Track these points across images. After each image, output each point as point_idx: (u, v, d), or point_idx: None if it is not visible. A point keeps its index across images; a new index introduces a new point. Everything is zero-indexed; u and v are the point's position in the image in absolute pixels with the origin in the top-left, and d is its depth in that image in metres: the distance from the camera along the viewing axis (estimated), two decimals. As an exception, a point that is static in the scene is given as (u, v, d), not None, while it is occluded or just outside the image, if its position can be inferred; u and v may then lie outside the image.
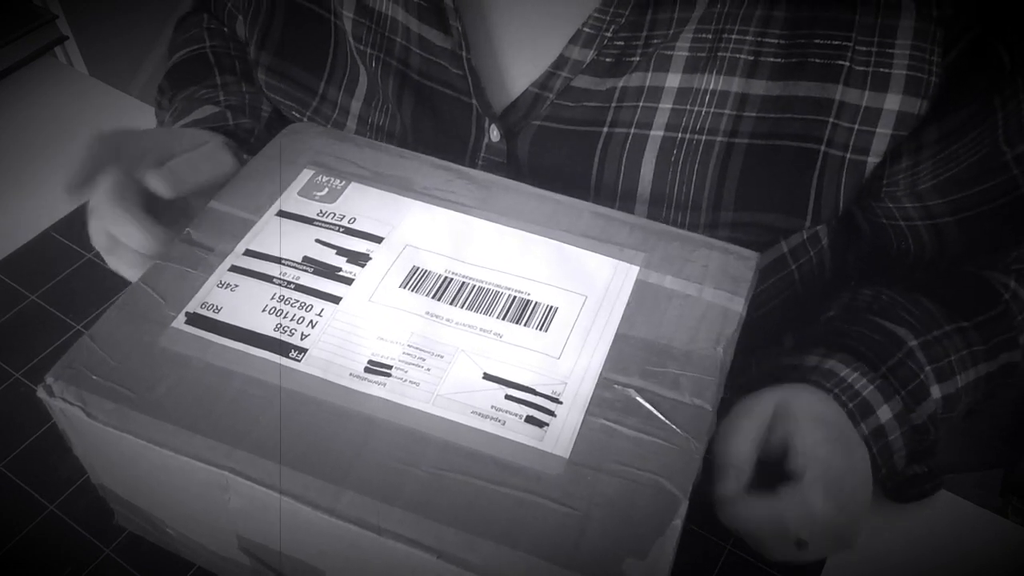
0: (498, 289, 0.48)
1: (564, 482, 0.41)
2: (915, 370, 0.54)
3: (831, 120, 0.52)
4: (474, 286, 0.48)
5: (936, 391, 0.55)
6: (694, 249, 0.50)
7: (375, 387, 0.44)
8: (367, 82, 0.61)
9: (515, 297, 0.48)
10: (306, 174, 0.54)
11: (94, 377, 0.44)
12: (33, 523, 0.57)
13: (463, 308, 0.47)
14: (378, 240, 0.50)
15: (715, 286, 0.48)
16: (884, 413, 0.53)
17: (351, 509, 0.40)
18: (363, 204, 0.52)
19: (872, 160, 0.53)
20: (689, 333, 0.46)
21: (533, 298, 0.48)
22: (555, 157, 0.57)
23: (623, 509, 0.40)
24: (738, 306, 0.48)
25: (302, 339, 0.46)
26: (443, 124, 0.60)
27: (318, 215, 0.52)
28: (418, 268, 0.49)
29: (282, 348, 0.45)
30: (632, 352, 0.46)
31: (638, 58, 0.54)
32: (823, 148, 0.53)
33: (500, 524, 0.39)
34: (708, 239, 0.51)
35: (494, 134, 0.58)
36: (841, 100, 0.52)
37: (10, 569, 0.55)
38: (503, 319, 0.47)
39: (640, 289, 0.48)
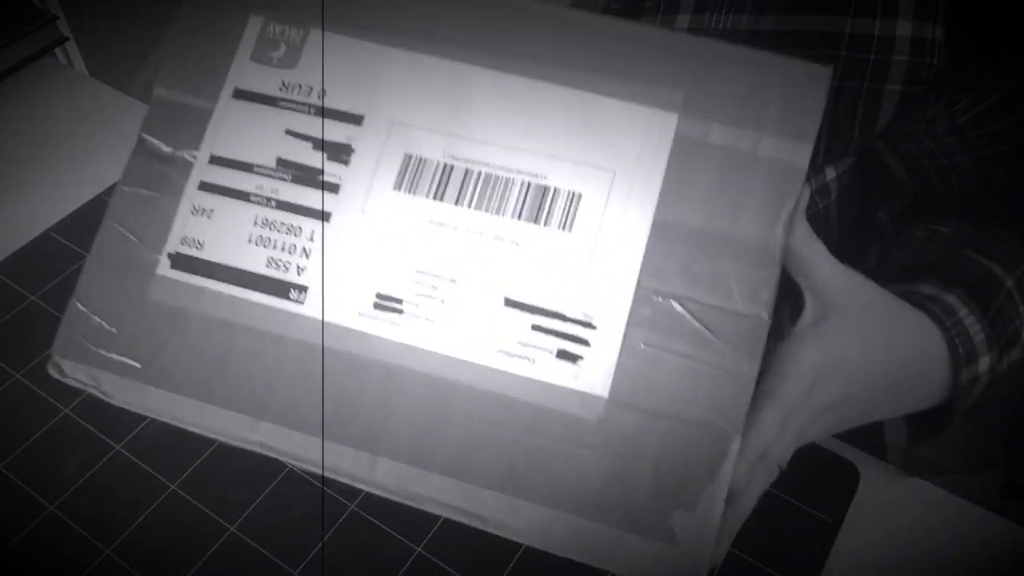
0: (508, 175, 0.42)
1: (604, 428, 0.38)
2: (1012, 314, 0.49)
3: (843, 53, 0.51)
4: (480, 173, 0.42)
5: None
6: (748, 73, 0.41)
7: (388, 327, 0.41)
8: None
9: (530, 184, 0.41)
10: (254, 26, 0.45)
11: (95, 349, 0.43)
12: (33, 523, 0.57)
13: (471, 207, 0.42)
14: (358, 120, 0.43)
15: (776, 132, 0.40)
16: (983, 364, 0.49)
17: (388, 479, 0.39)
18: (331, 64, 0.44)
19: (890, 88, 0.52)
20: (737, 208, 0.39)
21: (551, 183, 0.41)
22: None
23: (668, 455, 0.37)
24: (803, 161, 0.39)
25: (299, 274, 0.42)
26: None
27: (281, 91, 0.44)
28: (411, 156, 0.43)
29: (280, 289, 0.42)
30: (672, 246, 0.39)
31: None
32: (837, 81, 0.52)
33: (541, 485, 0.38)
34: (768, 54, 0.41)
35: None
36: (851, 32, 0.51)
37: (10, 569, 0.55)
38: (518, 218, 0.41)
39: (679, 151, 0.40)
